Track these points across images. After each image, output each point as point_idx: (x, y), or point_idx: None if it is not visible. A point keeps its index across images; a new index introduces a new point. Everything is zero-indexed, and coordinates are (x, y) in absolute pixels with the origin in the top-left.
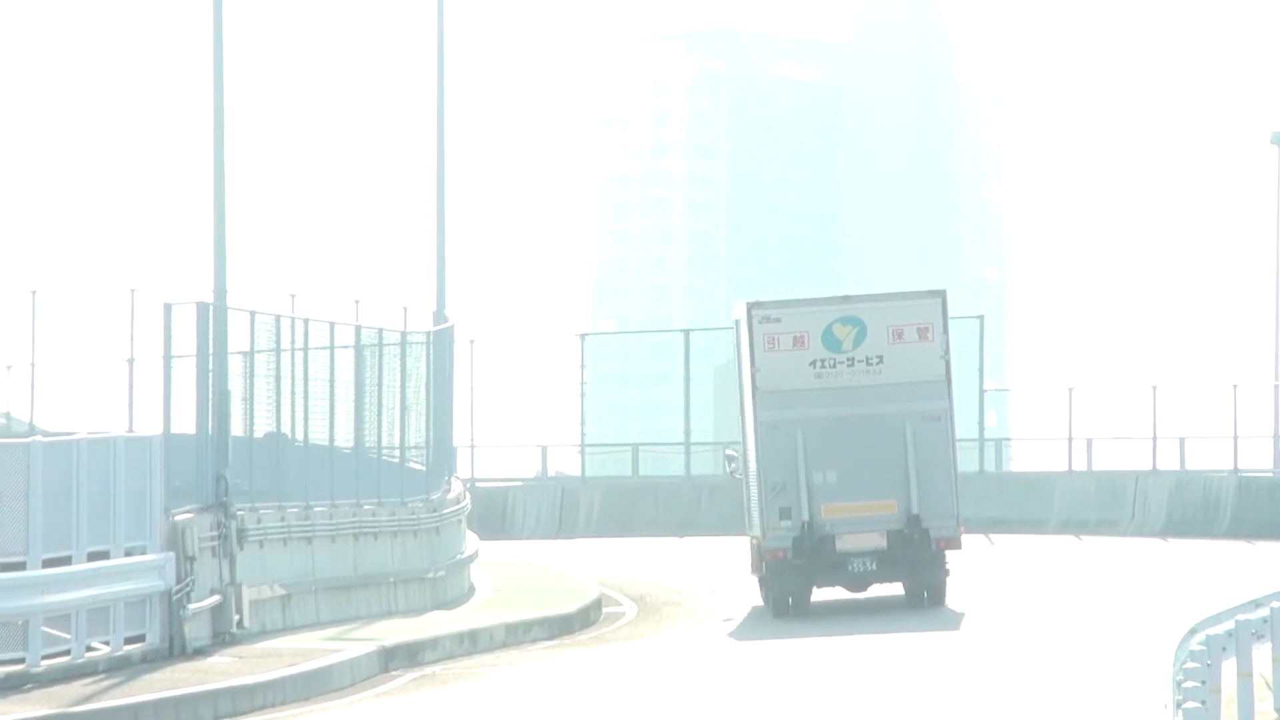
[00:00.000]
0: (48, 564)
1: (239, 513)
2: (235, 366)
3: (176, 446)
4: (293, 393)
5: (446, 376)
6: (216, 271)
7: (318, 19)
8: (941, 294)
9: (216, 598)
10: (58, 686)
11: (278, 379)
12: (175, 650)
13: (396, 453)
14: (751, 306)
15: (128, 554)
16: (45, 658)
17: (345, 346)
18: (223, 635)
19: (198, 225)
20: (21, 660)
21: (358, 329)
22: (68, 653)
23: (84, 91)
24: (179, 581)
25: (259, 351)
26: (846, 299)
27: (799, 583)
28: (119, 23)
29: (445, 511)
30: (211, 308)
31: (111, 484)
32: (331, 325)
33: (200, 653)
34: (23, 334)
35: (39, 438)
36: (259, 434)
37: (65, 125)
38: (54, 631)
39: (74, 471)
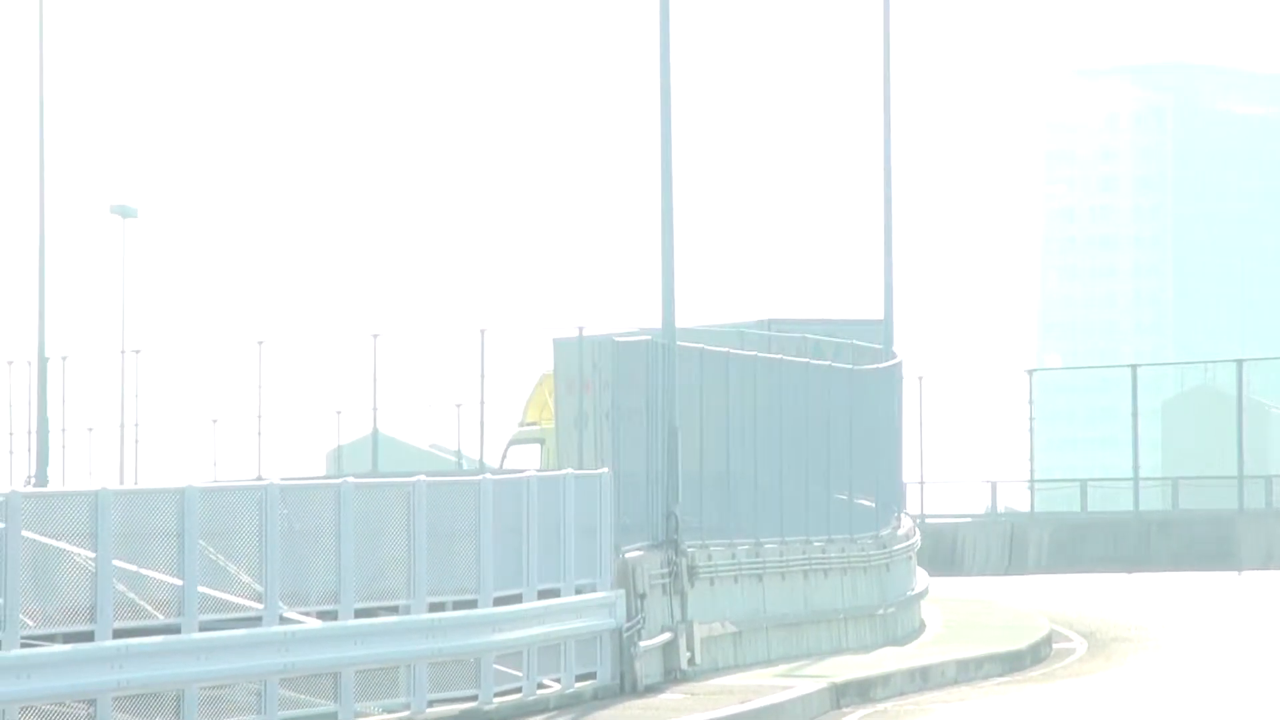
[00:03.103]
0: (499, 602)
1: (689, 549)
2: (684, 403)
3: (625, 483)
4: (741, 429)
5: (894, 412)
6: (665, 310)
7: (768, 44)
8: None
9: (667, 635)
10: None
11: (726, 416)
12: (626, 688)
13: (845, 489)
14: None
15: (578, 591)
16: (497, 695)
17: (793, 384)
18: (673, 672)
19: (644, 263)
20: (474, 698)
21: (806, 365)
22: (519, 690)
23: (526, 136)
24: (629, 619)
25: (707, 388)
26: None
27: None
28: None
29: (895, 548)
30: (661, 346)
31: (561, 521)
32: (779, 362)
33: (651, 690)
34: (471, 372)
35: (488, 475)
36: (707, 470)
37: (510, 167)
38: (505, 669)
39: (524, 509)
